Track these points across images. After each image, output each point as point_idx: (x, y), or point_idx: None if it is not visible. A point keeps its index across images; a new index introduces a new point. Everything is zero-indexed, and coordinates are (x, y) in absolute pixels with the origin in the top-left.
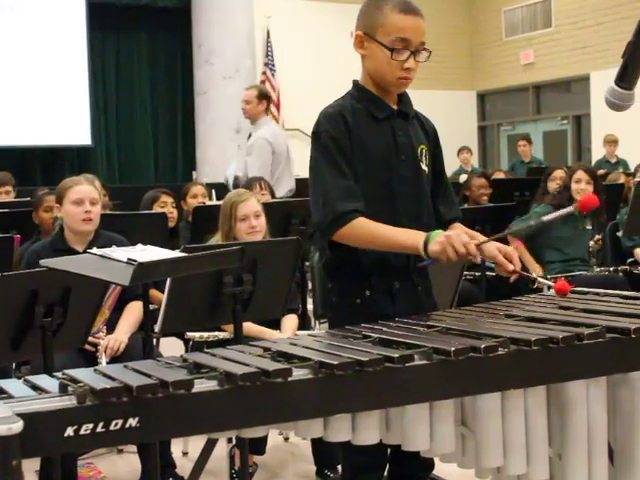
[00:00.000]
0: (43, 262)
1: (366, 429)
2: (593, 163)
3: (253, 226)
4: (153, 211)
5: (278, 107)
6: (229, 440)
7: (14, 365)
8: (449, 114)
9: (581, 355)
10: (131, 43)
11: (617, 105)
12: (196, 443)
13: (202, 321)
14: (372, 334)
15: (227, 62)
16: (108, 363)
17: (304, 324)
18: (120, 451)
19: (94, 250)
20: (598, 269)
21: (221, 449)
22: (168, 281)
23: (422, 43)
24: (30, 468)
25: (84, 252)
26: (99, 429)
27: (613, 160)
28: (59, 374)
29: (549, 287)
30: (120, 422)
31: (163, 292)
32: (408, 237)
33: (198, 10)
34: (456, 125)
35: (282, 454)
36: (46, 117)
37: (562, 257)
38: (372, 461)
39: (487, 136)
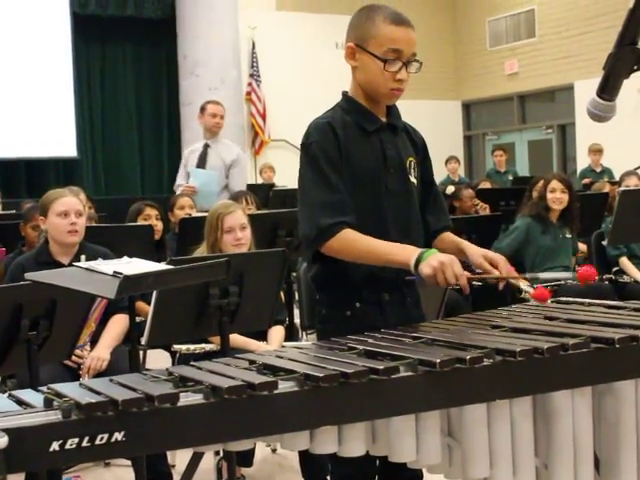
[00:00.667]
0: (28, 275)
1: (352, 441)
2: (578, 172)
3: (238, 238)
4: (139, 223)
5: (264, 118)
6: (216, 452)
7: (0, 378)
8: (435, 124)
9: (566, 365)
10: (116, 54)
11: (599, 116)
12: (183, 456)
13: (188, 333)
14: (358, 346)
15: (212, 73)
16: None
17: (291, 335)
18: (107, 464)
19: (80, 263)
20: None
21: (208, 461)
22: (154, 293)
23: (413, 54)
24: None
25: (69, 265)
26: (85, 443)
27: (598, 169)
28: (44, 388)
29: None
30: (106, 436)
31: (149, 304)
32: (398, 252)
33: (183, 21)
34: (442, 135)
35: (270, 466)
36: (32, 129)
37: (548, 265)
38: (361, 472)
39: (473, 145)
